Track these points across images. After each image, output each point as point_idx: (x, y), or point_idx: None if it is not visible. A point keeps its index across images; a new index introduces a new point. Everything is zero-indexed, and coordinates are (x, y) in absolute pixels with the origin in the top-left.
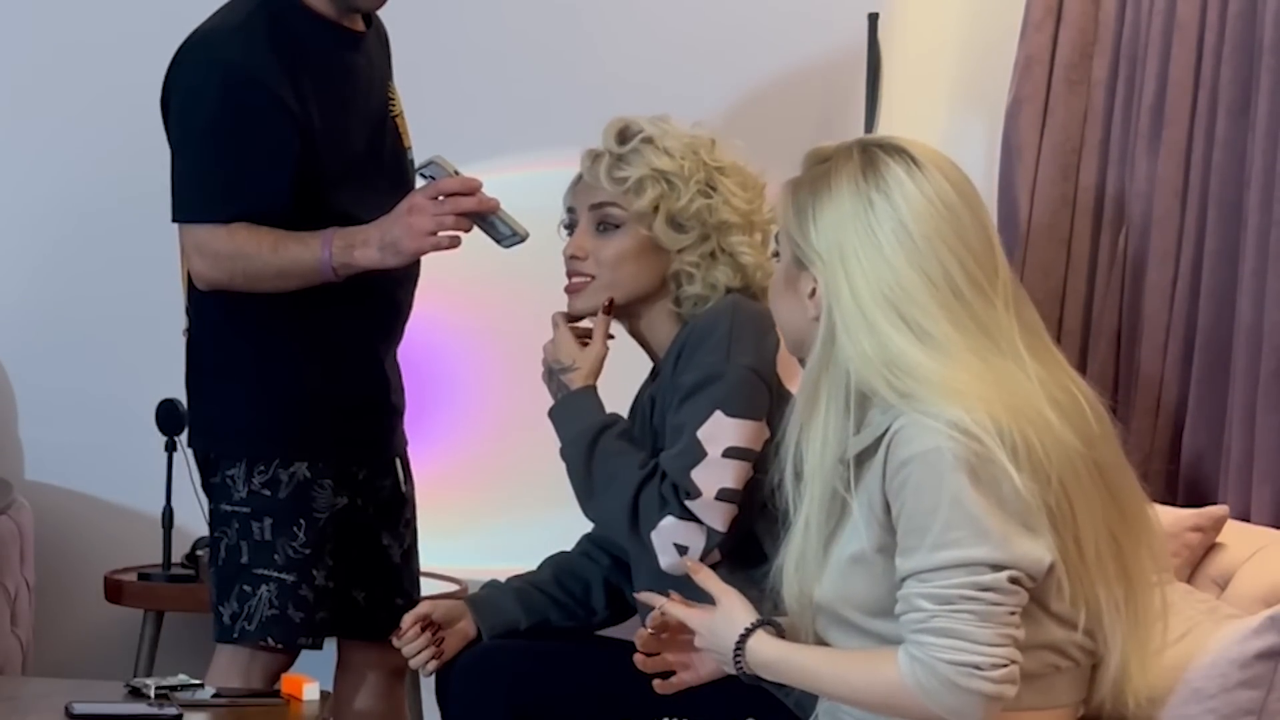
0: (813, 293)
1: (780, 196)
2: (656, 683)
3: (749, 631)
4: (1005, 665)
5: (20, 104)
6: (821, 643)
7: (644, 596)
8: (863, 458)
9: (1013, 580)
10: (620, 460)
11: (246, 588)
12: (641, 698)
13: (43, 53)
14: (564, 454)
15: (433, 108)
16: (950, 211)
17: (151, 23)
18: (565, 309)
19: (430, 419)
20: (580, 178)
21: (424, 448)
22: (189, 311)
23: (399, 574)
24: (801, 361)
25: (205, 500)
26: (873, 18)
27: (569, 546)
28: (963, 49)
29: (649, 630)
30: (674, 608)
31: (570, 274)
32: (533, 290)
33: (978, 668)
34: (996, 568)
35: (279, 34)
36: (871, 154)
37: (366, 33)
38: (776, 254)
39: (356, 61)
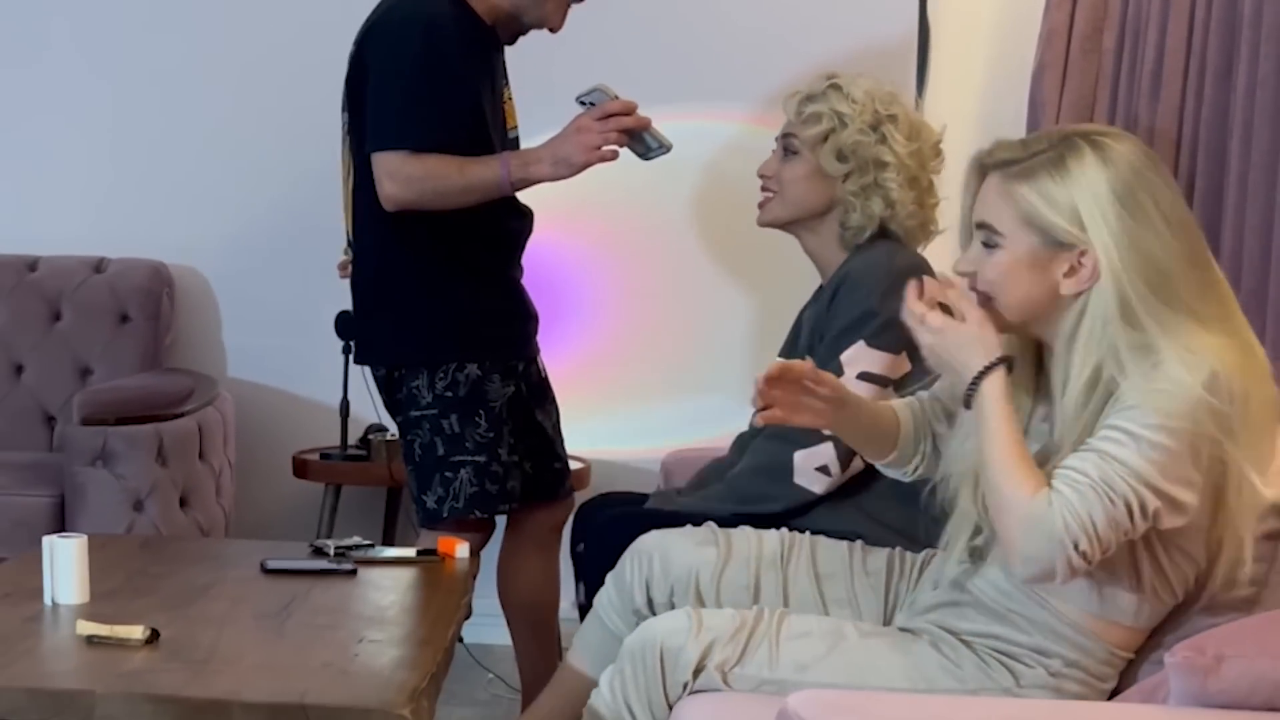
0: (1069, 271)
1: (998, 185)
2: (757, 416)
3: (1001, 362)
4: (1087, 565)
5: (229, 81)
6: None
7: (914, 306)
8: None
9: (1153, 515)
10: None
11: (448, 474)
12: None
13: (248, 31)
14: None
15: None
16: (1171, 182)
17: (340, 17)
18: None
19: (559, 328)
20: None
21: (554, 350)
22: (356, 256)
23: (553, 442)
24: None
25: (378, 400)
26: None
27: (678, 433)
28: (996, 24)
29: (769, 374)
30: (954, 293)
31: (761, 190)
32: (637, 221)
33: (1077, 547)
34: (1161, 495)
35: (454, 12)
36: (1085, 140)
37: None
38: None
39: (495, 53)
